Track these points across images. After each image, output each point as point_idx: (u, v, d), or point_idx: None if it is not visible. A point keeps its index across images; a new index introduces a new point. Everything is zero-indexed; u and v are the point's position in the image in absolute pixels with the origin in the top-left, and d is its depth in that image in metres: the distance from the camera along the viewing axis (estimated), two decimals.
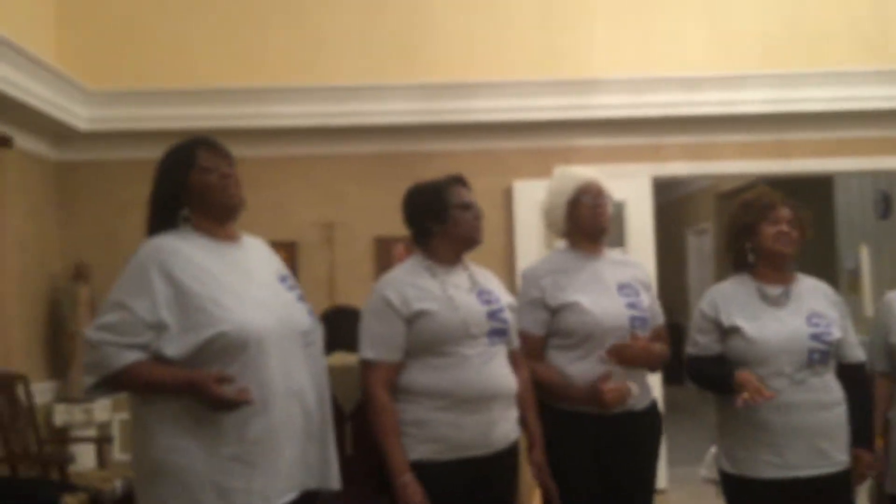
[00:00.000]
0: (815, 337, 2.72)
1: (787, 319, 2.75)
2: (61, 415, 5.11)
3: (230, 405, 2.09)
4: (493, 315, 2.62)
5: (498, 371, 2.60)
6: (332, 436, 2.37)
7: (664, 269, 6.14)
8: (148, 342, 2.13)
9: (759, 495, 2.72)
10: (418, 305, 2.54)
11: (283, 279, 2.38)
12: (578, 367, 2.79)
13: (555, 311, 2.82)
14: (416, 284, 2.58)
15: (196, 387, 2.09)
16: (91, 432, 5.22)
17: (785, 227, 2.80)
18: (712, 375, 2.80)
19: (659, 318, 3.00)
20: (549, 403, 2.82)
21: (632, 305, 2.84)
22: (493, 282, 2.77)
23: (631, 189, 5.64)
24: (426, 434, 2.51)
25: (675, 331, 3.05)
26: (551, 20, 5.68)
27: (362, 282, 5.47)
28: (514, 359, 2.72)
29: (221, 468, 2.12)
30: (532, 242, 5.55)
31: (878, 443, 3.00)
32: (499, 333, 2.63)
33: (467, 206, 2.65)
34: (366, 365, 2.56)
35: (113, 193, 5.50)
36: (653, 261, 5.63)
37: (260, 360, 2.16)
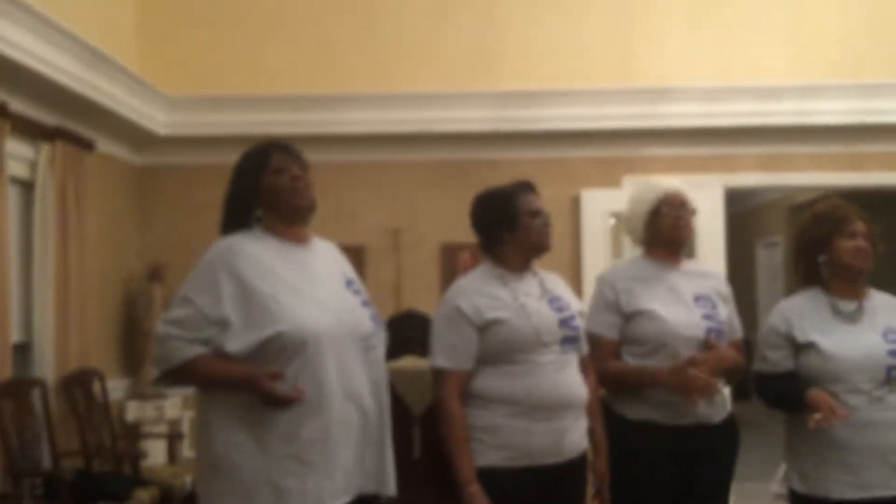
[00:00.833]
0: (893, 353, 2.64)
1: (863, 335, 2.67)
2: (134, 411, 5.23)
3: (282, 402, 2.10)
4: (564, 323, 2.61)
5: (571, 380, 2.59)
6: (390, 441, 2.36)
7: (733, 283, 5.94)
8: (211, 337, 2.16)
9: None
10: (490, 315, 2.53)
11: (349, 283, 2.39)
12: None
13: (628, 318, 2.79)
14: (487, 293, 2.58)
15: (251, 382, 2.11)
16: (162, 428, 5.33)
17: (862, 242, 2.73)
18: (783, 393, 2.72)
19: (737, 332, 2.93)
20: (622, 414, 2.78)
21: (708, 317, 2.79)
22: (562, 287, 2.75)
23: (702, 200, 5.49)
24: (498, 440, 2.50)
25: (744, 346, 2.99)
26: (624, 28, 5.64)
27: (428, 287, 5.52)
28: (584, 365, 2.70)
29: (277, 466, 2.13)
30: (599, 252, 5.52)
31: None
32: (571, 341, 2.62)
33: (537, 213, 2.64)
34: (437, 373, 2.56)
35: (189, 197, 5.62)
36: (723, 274, 5.53)
37: (317, 360, 2.17)
